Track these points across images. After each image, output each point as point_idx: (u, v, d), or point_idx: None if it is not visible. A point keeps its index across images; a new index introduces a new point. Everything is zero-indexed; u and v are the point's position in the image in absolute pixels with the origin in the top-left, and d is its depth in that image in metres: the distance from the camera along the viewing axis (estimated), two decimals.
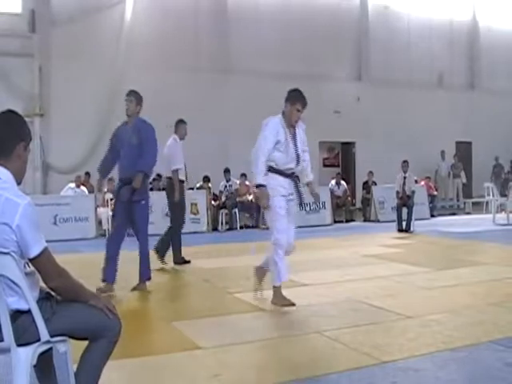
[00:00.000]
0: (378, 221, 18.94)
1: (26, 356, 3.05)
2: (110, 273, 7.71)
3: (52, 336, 3.12)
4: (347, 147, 23.97)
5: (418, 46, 24.52)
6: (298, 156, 6.96)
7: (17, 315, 3.07)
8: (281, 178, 6.81)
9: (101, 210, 15.63)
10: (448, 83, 25.58)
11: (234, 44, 21.01)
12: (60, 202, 15.62)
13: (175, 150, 10.39)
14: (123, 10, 19.65)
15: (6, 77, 18.05)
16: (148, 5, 19.98)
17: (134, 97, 8.03)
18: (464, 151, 25.87)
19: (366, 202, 20.42)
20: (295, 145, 6.93)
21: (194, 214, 16.66)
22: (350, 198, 20.88)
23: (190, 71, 19.92)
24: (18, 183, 3.20)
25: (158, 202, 16.31)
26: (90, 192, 16.31)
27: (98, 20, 19.13)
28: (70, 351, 3.30)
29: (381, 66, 23.64)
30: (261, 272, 7.17)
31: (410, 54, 24.30)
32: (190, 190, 17.99)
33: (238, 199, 18.05)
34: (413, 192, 16.00)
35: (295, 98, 7.02)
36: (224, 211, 17.79)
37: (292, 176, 7.00)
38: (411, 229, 15.48)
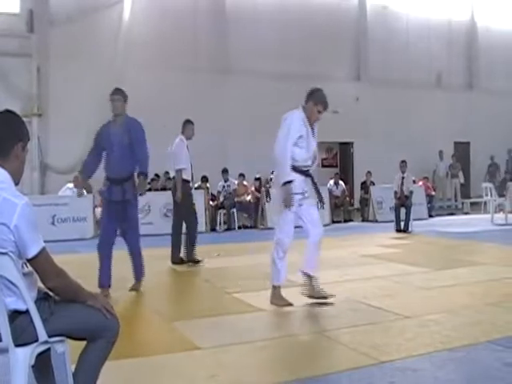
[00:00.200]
0: (376, 221, 18.95)
1: (24, 356, 3.05)
2: (104, 278, 7.62)
3: (50, 336, 3.12)
4: (345, 147, 23.96)
5: (416, 46, 24.53)
6: (315, 153, 6.98)
7: (15, 315, 3.07)
8: (297, 176, 6.77)
9: (99, 210, 15.60)
10: (446, 83, 25.59)
11: (233, 44, 21.00)
12: (58, 202, 15.59)
13: (180, 150, 10.41)
14: (121, 10, 19.63)
15: (4, 77, 18.02)
16: (146, 5, 19.97)
17: (121, 95, 7.86)
18: (462, 151, 25.88)
19: (365, 202, 20.42)
20: (314, 142, 6.93)
21: None
22: (348, 198, 20.87)
23: (189, 71, 19.91)
24: (16, 183, 3.19)
25: (156, 202, 16.35)
26: (88, 192, 16.29)
27: (96, 20, 19.11)
28: (68, 351, 3.30)
29: (379, 66, 23.64)
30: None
31: (409, 54, 24.31)
32: None
33: (236, 199, 18.05)
34: (411, 192, 16.00)
35: (319, 98, 7.00)
36: (222, 211, 17.79)
37: (308, 174, 6.98)
38: (409, 229, 15.48)
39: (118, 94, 7.83)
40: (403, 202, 15.70)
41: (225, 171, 18.35)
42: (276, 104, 20.92)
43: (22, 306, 3.07)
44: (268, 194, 17.69)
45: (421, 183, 20.68)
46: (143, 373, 4.68)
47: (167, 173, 18.94)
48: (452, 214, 22.05)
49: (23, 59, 18.37)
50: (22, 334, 3.06)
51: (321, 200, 7.15)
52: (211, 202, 17.83)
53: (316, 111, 6.91)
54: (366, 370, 4.61)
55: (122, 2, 19.64)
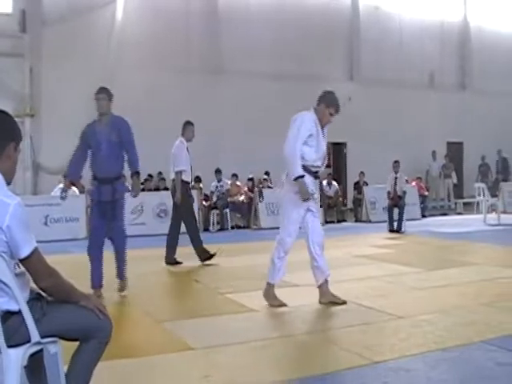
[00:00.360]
0: (370, 221, 18.97)
1: (16, 357, 3.03)
2: (96, 278, 7.57)
3: (43, 337, 3.11)
4: (338, 147, 23.95)
5: (409, 46, 24.57)
6: (324, 154, 7.01)
7: (7, 316, 3.06)
8: (307, 176, 6.76)
9: None
10: (439, 83, 25.64)
11: (225, 44, 20.99)
12: (51, 203, 15.53)
13: (180, 151, 10.41)
14: (114, 10, 19.61)
15: None
16: (139, 5, 19.95)
17: (106, 94, 7.70)
18: (455, 151, 25.94)
19: (358, 202, 20.44)
20: (324, 143, 6.94)
21: None
22: (341, 199, 20.89)
23: (181, 71, 19.90)
24: (8, 183, 3.17)
25: (149, 202, 16.33)
26: (80, 192, 16.24)
27: (88, 20, 19.08)
28: (61, 352, 3.29)
29: (372, 66, 23.68)
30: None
31: (402, 54, 24.34)
32: None
33: (229, 199, 18.04)
34: (404, 192, 16.03)
35: (331, 101, 6.95)
36: (215, 211, 17.78)
37: (317, 176, 7.03)
38: (402, 229, 15.50)
39: (103, 92, 7.68)
40: (396, 202, 15.72)
41: (218, 171, 18.34)
42: (269, 104, 21.06)
43: (14, 307, 3.05)
44: (261, 194, 17.70)
45: (414, 183, 20.72)
46: (136, 373, 4.67)
47: (160, 173, 18.97)
48: (445, 214, 22.09)
49: (15, 59, 18.33)
50: (15, 335, 3.05)
51: (321, 206, 7.17)
52: (204, 202, 17.82)
53: (328, 113, 6.90)
54: (360, 370, 4.61)
55: (114, 2, 19.63)
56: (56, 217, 15.24)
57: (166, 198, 16.67)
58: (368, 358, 4.84)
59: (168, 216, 16.31)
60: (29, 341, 3.06)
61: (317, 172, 6.98)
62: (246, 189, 18.86)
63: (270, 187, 19.03)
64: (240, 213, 18.42)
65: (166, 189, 18.41)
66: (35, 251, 3.07)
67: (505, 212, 19.51)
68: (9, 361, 3.02)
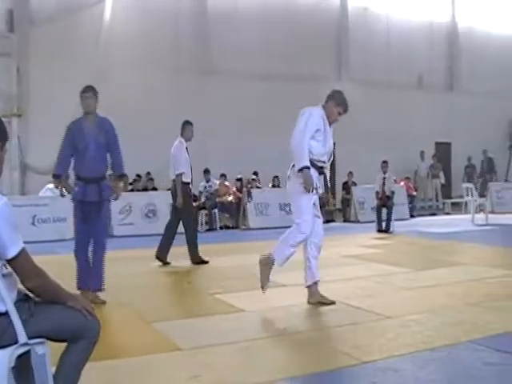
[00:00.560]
0: (358, 221, 19.01)
1: (3, 358, 3.01)
2: (82, 280, 7.45)
3: (30, 338, 3.09)
4: None
5: (397, 47, 24.61)
6: (331, 150, 7.04)
7: None
8: (312, 171, 6.77)
9: None
10: (428, 84, 25.70)
11: (215, 45, 20.95)
12: (38, 203, 15.51)
13: (180, 153, 10.41)
14: (102, 10, 19.54)
15: None
16: (127, 4, 19.89)
17: (93, 92, 7.55)
18: (443, 152, 26.02)
19: (346, 202, 20.48)
20: (331, 139, 6.98)
21: None
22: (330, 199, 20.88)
23: (171, 71, 19.87)
24: None
25: (137, 202, 16.32)
26: (69, 193, 16.19)
27: (77, 19, 19.00)
28: (49, 353, 3.27)
29: (361, 66, 23.69)
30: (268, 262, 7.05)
31: (390, 54, 24.38)
32: (170, 191, 17.97)
33: (217, 200, 18.04)
34: (392, 192, 16.07)
35: (341, 100, 7.04)
36: (204, 212, 17.76)
37: (322, 171, 7.02)
38: (391, 229, 15.54)
39: (90, 91, 7.53)
40: (385, 202, 15.76)
41: (206, 171, 18.32)
42: (258, 104, 21.07)
43: (1, 308, 3.03)
44: (249, 195, 17.70)
45: (402, 183, 20.77)
46: (124, 374, 4.66)
47: (149, 173, 18.94)
48: (433, 215, 22.18)
49: (3, 59, 18.25)
50: (2, 336, 3.02)
51: (323, 203, 7.17)
52: (193, 203, 17.77)
53: (336, 112, 6.99)
54: (348, 370, 4.62)
55: (103, 1, 19.56)
56: (43, 217, 15.19)
57: (154, 199, 16.72)
58: (357, 358, 4.84)
59: (156, 216, 16.38)
60: (16, 342, 3.04)
61: (322, 168, 6.99)
62: (234, 189, 18.86)
63: (258, 187, 19.05)
64: (229, 213, 18.42)
65: (155, 189, 18.43)
66: (22, 251, 3.05)
67: (493, 212, 19.62)
68: None
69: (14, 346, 3.04)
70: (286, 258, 6.93)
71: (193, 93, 20.07)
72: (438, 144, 26.08)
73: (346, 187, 20.84)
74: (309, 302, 6.88)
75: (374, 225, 15.86)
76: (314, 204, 6.91)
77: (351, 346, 5.20)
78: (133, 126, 18.13)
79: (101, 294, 7.37)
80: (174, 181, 10.53)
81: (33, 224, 14.97)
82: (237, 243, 14.09)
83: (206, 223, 17.72)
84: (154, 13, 19.98)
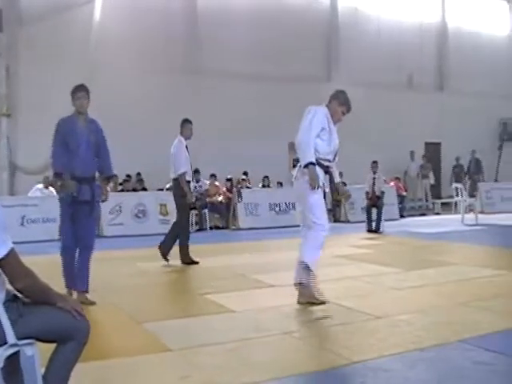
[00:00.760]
0: (348, 221, 19.03)
1: None
2: (71, 280, 7.37)
3: (19, 339, 3.08)
4: None
5: (387, 47, 24.62)
6: (336, 149, 7.07)
7: None
8: (319, 169, 6.80)
9: None
10: (418, 84, 25.76)
11: (205, 45, 20.94)
12: (27, 203, 15.46)
13: (179, 151, 10.38)
14: (92, 10, 19.49)
15: None
16: (117, 4, 19.82)
17: (86, 92, 7.44)
18: (433, 152, 26.09)
19: (336, 202, 20.47)
20: (336, 137, 7.03)
21: (164, 215, 16.60)
22: None
23: (161, 72, 19.83)
24: None
25: (127, 202, 16.28)
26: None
27: (66, 19, 18.94)
28: (38, 354, 3.25)
29: (351, 67, 23.71)
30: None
31: (380, 55, 24.39)
32: (160, 191, 17.96)
33: (207, 200, 18.01)
34: (382, 193, 16.10)
35: (344, 100, 7.15)
36: (194, 212, 17.73)
37: (328, 171, 7.04)
38: (381, 229, 15.56)
39: (83, 90, 7.43)
40: (375, 202, 15.79)
41: (196, 171, 18.29)
42: (249, 104, 21.07)
43: None
44: (239, 195, 17.69)
45: (392, 183, 20.80)
46: (113, 375, 4.64)
47: (139, 174, 18.91)
48: (423, 215, 22.23)
49: None
50: None
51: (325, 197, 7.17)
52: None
53: (340, 111, 7.08)
54: (338, 370, 4.62)
55: (93, 1, 19.51)
56: (33, 217, 15.14)
57: (144, 199, 16.70)
58: (347, 358, 4.85)
59: (146, 216, 16.35)
60: (5, 343, 3.03)
61: (327, 167, 7.01)
62: (224, 189, 18.85)
63: (248, 187, 19.04)
64: (219, 213, 18.40)
65: (145, 189, 18.41)
66: (11, 252, 3.04)
67: (482, 212, 19.69)
68: None
69: (3, 347, 3.03)
70: (316, 261, 6.93)
71: (183, 93, 20.04)
72: (427, 144, 26.15)
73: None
74: (299, 302, 6.88)
75: (364, 225, 15.88)
76: None
77: (341, 345, 5.20)
78: (123, 127, 18.10)
79: (90, 295, 7.33)
80: (174, 180, 10.49)
81: (22, 224, 14.92)
82: (227, 243, 14.09)
83: (196, 223, 17.69)
84: (145, 12, 19.94)
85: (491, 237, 14.70)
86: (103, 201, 7.79)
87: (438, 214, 22.25)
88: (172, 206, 16.57)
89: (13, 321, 3.05)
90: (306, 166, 6.70)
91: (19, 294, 3.19)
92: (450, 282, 8.21)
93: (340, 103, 7.08)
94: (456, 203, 20.26)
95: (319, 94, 23.87)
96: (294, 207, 18.37)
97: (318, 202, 6.86)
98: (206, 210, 17.77)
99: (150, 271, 9.93)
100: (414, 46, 25.66)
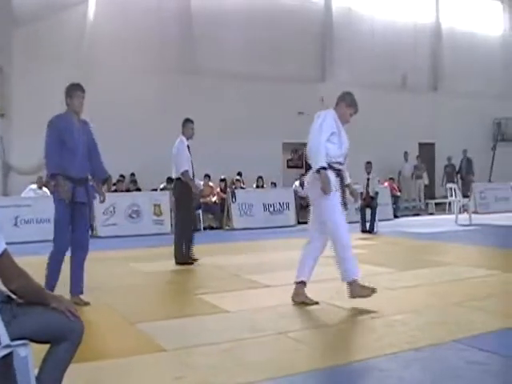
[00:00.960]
0: None
1: None
2: (54, 281, 7.17)
3: (13, 340, 3.06)
4: None
5: (381, 47, 24.63)
6: (347, 151, 7.14)
7: None
8: (332, 173, 6.84)
9: None
10: (412, 84, 25.79)
11: (199, 45, 20.92)
12: (21, 204, 15.43)
13: (180, 151, 10.37)
14: (86, 10, 19.45)
15: None
16: (111, 5, 19.79)
17: (84, 92, 7.32)
18: (427, 152, 26.12)
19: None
20: (346, 139, 7.09)
21: (158, 215, 16.59)
22: None
23: (155, 72, 19.80)
24: None
25: (120, 203, 16.25)
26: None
27: (60, 19, 18.91)
28: (32, 355, 3.24)
29: (345, 67, 23.73)
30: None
31: (374, 55, 24.41)
32: (154, 191, 17.95)
33: (201, 200, 17.99)
34: (376, 193, 16.10)
35: (352, 102, 7.20)
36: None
37: (339, 173, 7.06)
38: (375, 230, 15.57)
39: (82, 90, 7.30)
40: (369, 202, 15.79)
41: None
42: (243, 105, 21.07)
43: None
44: (233, 195, 17.69)
45: (386, 184, 20.82)
46: (108, 375, 4.63)
47: (133, 174, 18.89)
48: (417, 215, 22.25)
49: None
50: None
51: (344, 203, 7.18)
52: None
53: (348, 113, 7.14)
54: (333, 370, 4.62)
55: (86, 1, 19.47)
56: (26, 218, 15.10)
57: (138, 199, 16.68)
58: (341, 358, 4.85)
59: (140, 217, 16.33)
60: None
61: (339, 170, 7.05)
62: (218, 189, 18.85)
63: (242, 188, 19.04)
64: (212, 213, 18.40)
65: (138, 190, 18.39)
66: (5, 253, 3.04)
67: (476, 212, 19.74)
68: None
69: None
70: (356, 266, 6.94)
71: (178, 93, 20.04)
72: (421, 144, 26.19)
73: None
74: (293, 301, 6.89)
75: (358, 225, 15.88)
76: None
77: (336, 346, 5.21)
78: (117, 127, 18.10)
79: (84, 296, 7.31)
80: (176, 180, 10.49)
81: (15, 225, 14.89)
82: (221, 244, 14.09)
83: None
84: (139, 12, 19.92)
85: (485, 237, 14.73)
86: (101, 202, 7.75)
87: (431, 214, 22.29)
88: (166, 207, 16.72)
89: (6, 322, 3.04)
90: (317, 170, 6.69)
91: (13, 295, 3.18)
92: (443, 282, 8.22)
93: (348, 105, 7.13)
94: (450, 203, 20.29)
95: (313, 94, 24.09)
96: (288, 207, 18.41)
97: (336, 206, 6.90)
98: (200, 211, 17.75)
99: (144, 272, 9.91)
100: (408, 46, 25.70)
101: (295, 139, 22.92)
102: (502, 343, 5.30)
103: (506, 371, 4.69)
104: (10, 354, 3.15)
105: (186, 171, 10.26)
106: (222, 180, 19.11)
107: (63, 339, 3.21)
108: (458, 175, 24.40)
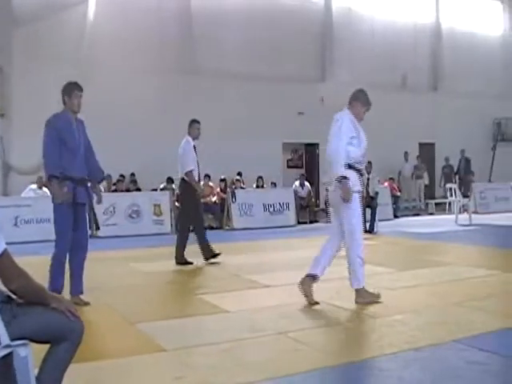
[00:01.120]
0: None
1: None
2: (60, 283, 7.13)
3: (13, 340, 3.06)
4: (311, 148, 23.95)
5: (381, 47, 24.60)
6: (366, 149, 7.17)
7: None
8: (354, 173, 6.90)
9: None
10: (412, 84, 25.76)
11: (199, 45, 20.90)
12: (21, 204, 15.42)
13: (186, 152, 10.39)
14: (85, 10, 19.44)
15: None
16: (111, 5, 19.78)
17: (82, 91, 7.24)
18: (427, 152, 26.10)
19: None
20: (365, 138, 7.14)
21: (158, 215, 16.59)
22: (313, 199, 20.94)
23: (155, 72, 19.78)
24: None
25: (120, 203, 16.24)
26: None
27: (60, 20, 18.89)
28: (31, 355, 3.24)
29: (345, 67, 23.71)
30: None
31: (374, 55, 24.37)
32: (154, 191, 17.94)
33: (201, 200, 17.98)
34: (376, 193, 16.10)
35: (366, 100, 7.30)
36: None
37: (362, 173, 7.15)
38: (375, 230, 15.55)
39: (81, 89, 7.21)
40: (369, 202, 15.77)
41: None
42: (243, 104, 21.06)
43: None
44: (233, 195, 17.69)
45: (386, 184, 20.81)
46: (108, 375, 4.63)
47: (133, 174, 18.88)
48: (417, 215, 22.23)
49: None
50: None
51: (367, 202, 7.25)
52: (177, 203, 17.71)
53: (362, 112, 7.22)
54: (332, 370, 4.62)
55: (86, 1, 19.46)
56: (26, 218, 15.08)
57: (138, 199, 16.68)
58: (341, 358, 4.85)
59: (140, 217, 16.33)
60: None
61: (360, 170, 7.12)
62: (218, 189, 18.85)
63: (242, 188, 19.04)
64: (212, 214, 18.38)
65: (138, 189, 18.39)
66: (5, 253, 3.03)
67: (476, 212, 19.73)
68: None
69: None
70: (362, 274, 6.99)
71: (177, 93, 20.03)
72: (421, 145, 26.16)
73: None
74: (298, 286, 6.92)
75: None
76: None
77: (335, 345, 5.21)
78: (117, 127, 18.11)
79: (84, 296, 7.30)
80: (182, 180, 10.50)
81: (15, 225, 14.88)
82: (221, 244, 14.03)
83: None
84: (139, 12, 19.90)
85: (485, 237, 14.73)
86: (98, 203, 7.70)
87: (431, 214, 22.28)
88: (166, 207, 16.72)
89: (6, 322, 3.04)
90: (338, 179, 6.74)
91: (13, 295, 3.18)
92: (443, 282, 8.22)
93: (363, 104, 7.24)
94: (450, 203, 20.28)
95: (313, 94, 24.05)
96: (287, 207, 18.39)
97: (353, 211, 6.93)
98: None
99: (144, 272, 9.91)
100: (408, 46, 25.68)
101: (295, 139, 22.98)
102: (502, 343, 5.31)
103: (505, 371, 4.70)
104: (10, 354, 3.15)
105: (191, 171, 10.27)
106: (222, 180, 19.10)
107: (63, 339, 3.21)
108: (457, 176, 24.36)
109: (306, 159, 24.61)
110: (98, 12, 19.47)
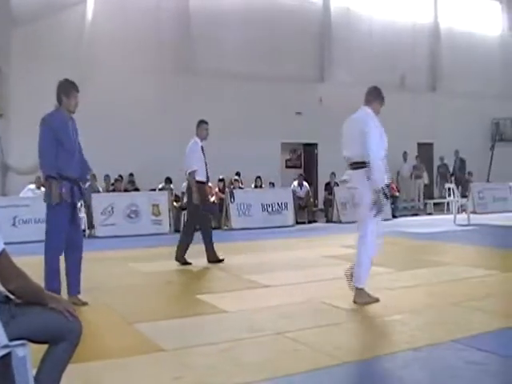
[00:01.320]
0: (340, 222, 18.99)
1: None
2: (57, 283, 7.13)
3: (11, 340, 3.06)
4: (310, 148, 23.98)
5: (380, 47, 24.60)
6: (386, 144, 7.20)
7: None
8: (383, 169, 6.97)
9: None
10: (410, 84, 25.76)
11: (198, 44, 20.90)
12: (19, 204, 15.40)
13: (193, 151, 10.44)
14: (84, 10, 19.42)
15: None
16: (109, 5, 19.77)
17: (78, 92, 7.20)
18: (426, 152, 26.10)
19: (329, 202, 20.48)
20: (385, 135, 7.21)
21: (156, 215, 16.58)
22: (312, 199, 20.94)
23: (154, 72, 19.78)
24: None
25: (119, 203, 16.24)
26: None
27: (58, 20, 18.88)
28: (30, 355, 3.24)
29: (343, 67, 23.71)
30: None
31: (373, 55, 24.37)
32: (153, 191, 17.94)
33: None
34: None
35: (382, 97, 7.41)
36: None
37: (386, 170, 7.18)
38: None
39: (78, 89, 7.17)
40: None
41: None
42: (241, 104, 21.06)
43: None
44: (232, 195, 17.68)
45: None
46: (106, 375, 4.63)
47: (131, 174, 18.88)
48: (415, 215, 22.24)
49: None
50: None
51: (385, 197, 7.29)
52: (175, 203, 17.74)
53: (379, 108, 7.37)
54: (330, 370, 4.61)
55: (84, 1, 19.45)
56: (24, 218, 15.06)
57: (136, 199, 16.67)
58: (340, 358, 4.84)
59: (138, 217, 16.32)
60: None
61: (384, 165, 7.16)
62: (216, 189, 18.84)
63: (241, 188, 19.04)
64: (211, 213, 18.36)
65: (137, 189, 18.38)
66: (3, 253, 3.03)
67: (474, 212, 19.73)
68: None
69: None
70: (367, 274, 7.07)
71: (176, 93, 20.04)
72: (420, 145, 26.16)
73: (329, 188, 20.84)
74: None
75: (357, 225, 15.84)
76: None
77: (335, 346, 5.20)
78: (116, 127, 18.10)
79: (82, 296, 7.30)
80: (187, 180, 10.54)
81: (14, 225, 14.86)
82: (219, 244, 14.02)
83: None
84: (138, 12, 19.90)
85: (483, 237, 14.73)
86: (85, 202, 7.67)
87: (430, 214, 22.29)
88: (165, 207, 16.72)
89: (4, 322, 3.03)
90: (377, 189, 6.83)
91: (11, 295, 3.17)
92: (442, 282, 8.23)
93: (380, 102, 7.37)
94: (448, 203, 20.29)
95: (312, 94, 24.06)
96: (286, 207, 18.39)
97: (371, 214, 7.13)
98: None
99: (143, 272, 9.90)
100: (407, 46, 25.69)
101: (294, 139, 22.97)
102: (501, 343, 5.31)
103: (504, 371, 4.70)
104: (8, 355, 3.14)
105: (194, 171, 10.28)
106: (221, 180, 19.09)
107: (61, 339, 3.21)
108: (452, 177, 24.36)
109: (305, 159, 24.62)
110: (97, 12, 19.46)
